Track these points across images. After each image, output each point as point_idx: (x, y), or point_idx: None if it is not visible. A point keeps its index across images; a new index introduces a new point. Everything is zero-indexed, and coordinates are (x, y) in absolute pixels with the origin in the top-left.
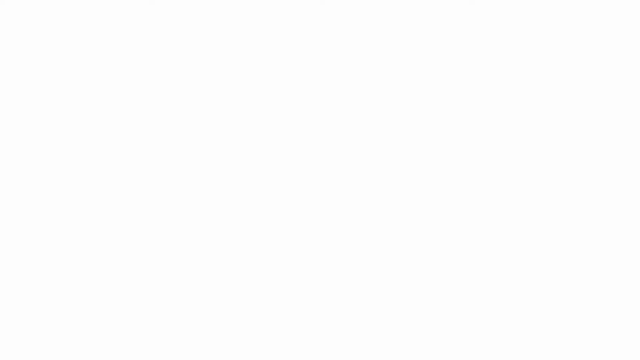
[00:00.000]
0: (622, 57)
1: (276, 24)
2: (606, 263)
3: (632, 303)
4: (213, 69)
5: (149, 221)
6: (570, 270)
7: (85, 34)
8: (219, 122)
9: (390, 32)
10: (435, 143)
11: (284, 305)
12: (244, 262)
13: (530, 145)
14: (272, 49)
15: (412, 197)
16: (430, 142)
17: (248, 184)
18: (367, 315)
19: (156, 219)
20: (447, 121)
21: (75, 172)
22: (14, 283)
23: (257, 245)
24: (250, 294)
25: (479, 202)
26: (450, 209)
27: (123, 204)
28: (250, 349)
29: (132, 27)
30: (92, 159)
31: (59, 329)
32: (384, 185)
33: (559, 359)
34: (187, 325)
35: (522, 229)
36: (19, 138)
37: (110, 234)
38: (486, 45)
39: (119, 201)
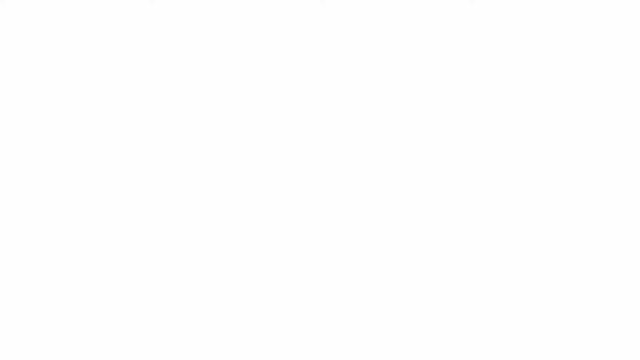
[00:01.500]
0: (622, 57)
1: (276, 24)
2: (606, 263)
3: (632, 303)
4: (213, 69)
5: (149, 221)
6: (570, 270)
7: (85, 34)
8: (219, 121)
9: (390, 32)
10: (435, 143)
11: (283, 305)
12: (244, 262)
13: (530, 144)
14: (272, 49)
15: (412, 196)
16: (430, 141)
17: (248, 184)
18: (366, 315)
19: (156, 218)
20: (447, 121)
21: (75, 172)
22: (14, 283)
23: (257, 244)
24: (250, 293)
25: (479, 202)
26: (450, 208)
27: (123, 203)
28: (250, 349)
29: (132, 27)
30: (92, 158)
31: (59, 329)
32: (384, 185)
33: (559, 359)
34: (187, 325)
35: (522, 229)
36: (19, 138)
37: (110, 234)
38: (486, 45)
39: (119, 201)
